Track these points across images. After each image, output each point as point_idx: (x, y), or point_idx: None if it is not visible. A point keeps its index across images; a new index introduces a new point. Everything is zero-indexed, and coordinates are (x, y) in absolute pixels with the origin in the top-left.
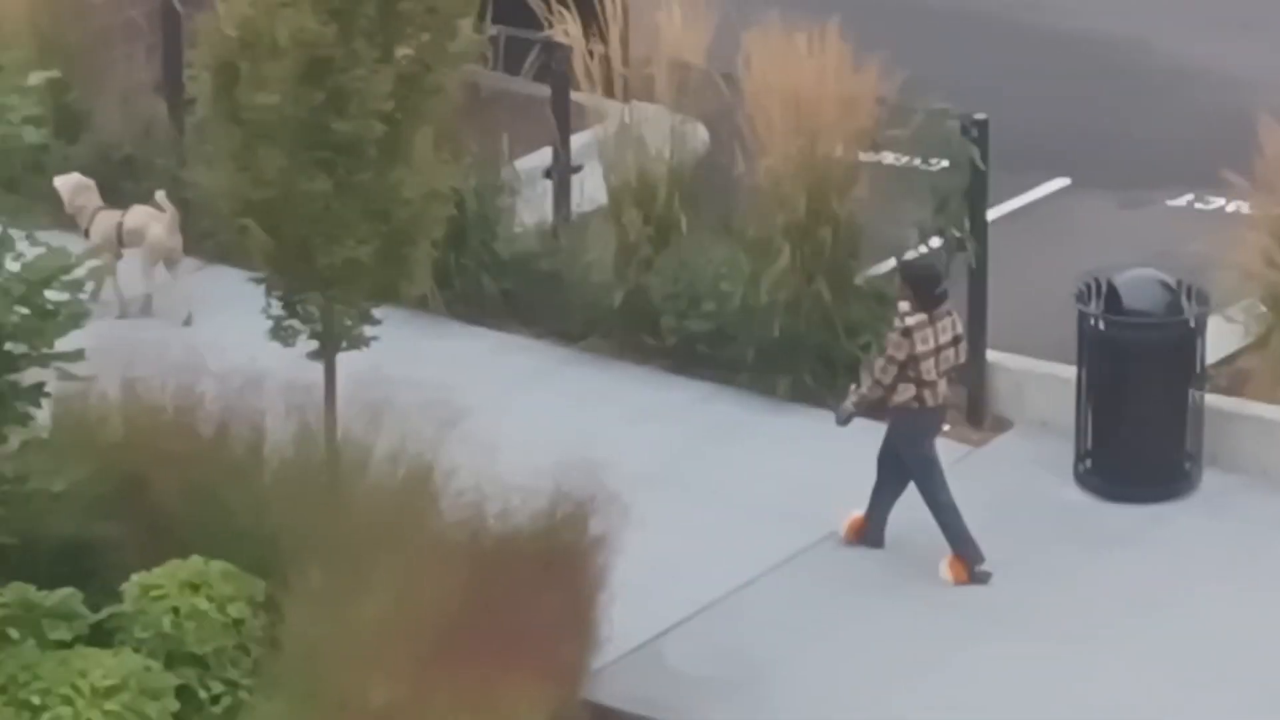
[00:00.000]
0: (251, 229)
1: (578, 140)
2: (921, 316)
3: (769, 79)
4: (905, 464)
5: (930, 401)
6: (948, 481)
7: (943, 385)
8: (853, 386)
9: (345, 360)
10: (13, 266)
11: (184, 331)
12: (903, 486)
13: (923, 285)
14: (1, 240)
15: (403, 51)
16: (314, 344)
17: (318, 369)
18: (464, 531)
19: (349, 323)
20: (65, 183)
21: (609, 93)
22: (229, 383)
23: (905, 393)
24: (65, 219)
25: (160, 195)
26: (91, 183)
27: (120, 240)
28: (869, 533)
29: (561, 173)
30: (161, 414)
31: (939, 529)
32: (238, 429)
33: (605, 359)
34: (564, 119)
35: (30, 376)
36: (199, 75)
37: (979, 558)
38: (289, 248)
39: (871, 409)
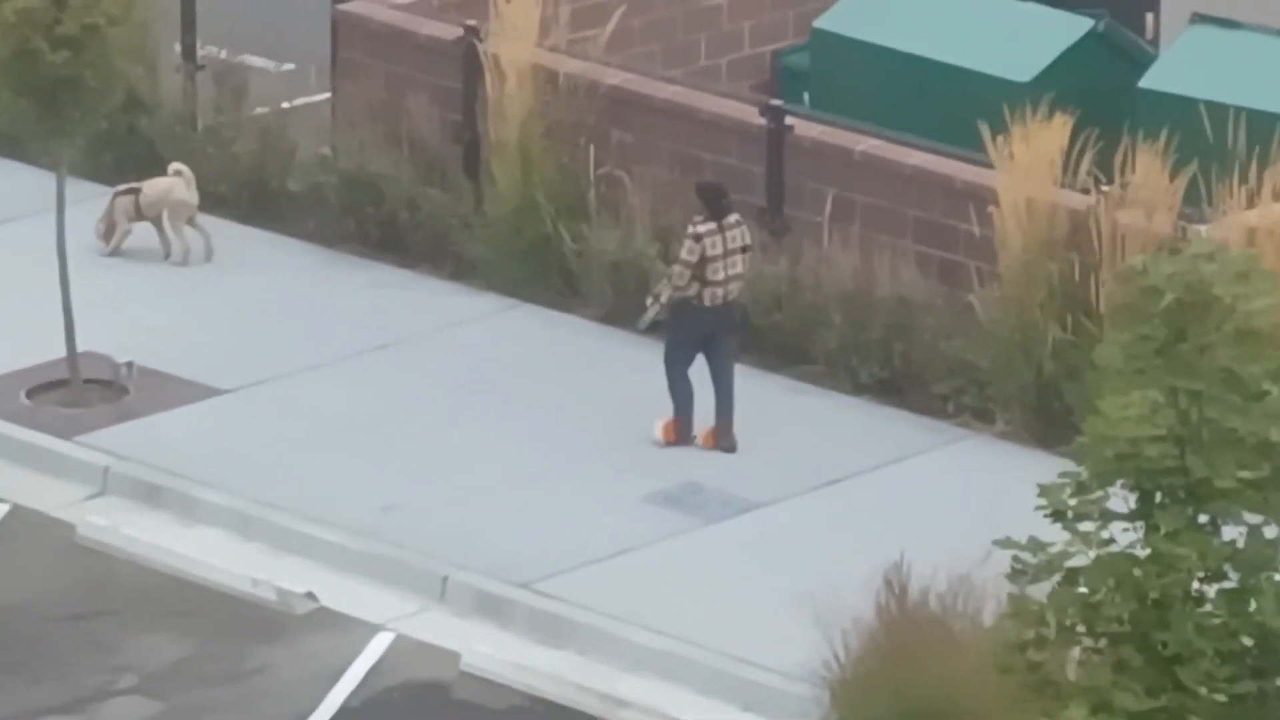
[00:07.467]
0: None
1: None
2: (711, 225)
3: None
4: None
5: (709, 301)
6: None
7: (732, 289)
8: (649, 300)
9: None
10: None
11: None
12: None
13: (711, 198)
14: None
15: None
16: None
17: None
18: None
19: None
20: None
21: None
22: None
23: (690, 290)
24: None
25: (175, 165)
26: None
27: (139, 212)
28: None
29: None
30: None
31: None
32: None
33: None
34: None
35: None
36: None
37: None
38: None
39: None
